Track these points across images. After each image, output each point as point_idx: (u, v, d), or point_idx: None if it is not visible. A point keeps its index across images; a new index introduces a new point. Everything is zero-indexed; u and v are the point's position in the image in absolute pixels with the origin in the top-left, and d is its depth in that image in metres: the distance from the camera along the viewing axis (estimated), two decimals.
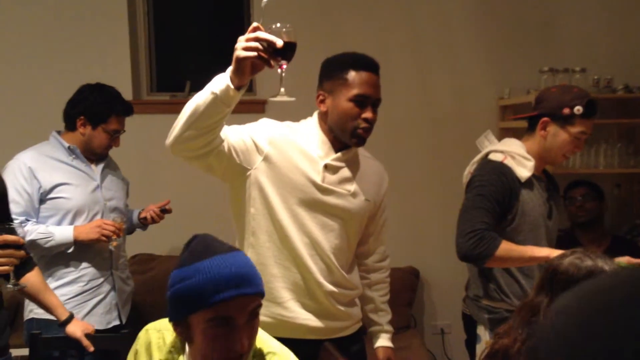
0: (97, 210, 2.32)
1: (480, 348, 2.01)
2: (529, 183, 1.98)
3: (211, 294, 1.11)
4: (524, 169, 1.97)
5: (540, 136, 2.00)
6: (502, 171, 1.96)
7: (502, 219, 1.96)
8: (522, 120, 2.15)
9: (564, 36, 3.31)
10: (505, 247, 1.86)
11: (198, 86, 1.53)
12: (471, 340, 2.11)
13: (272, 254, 1.75)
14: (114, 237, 2.24)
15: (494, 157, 2.01)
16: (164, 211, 2.52)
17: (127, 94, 2.67)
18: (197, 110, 1.45)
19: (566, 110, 1.94)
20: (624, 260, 1.90)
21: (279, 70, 1.42)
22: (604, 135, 3.15)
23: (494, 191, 1.92)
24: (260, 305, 1.21)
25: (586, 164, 3.02)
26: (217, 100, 1.42)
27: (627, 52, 3.24)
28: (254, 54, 1.36)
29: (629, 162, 3.03)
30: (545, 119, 1.98)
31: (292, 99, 1.47)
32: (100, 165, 2.39)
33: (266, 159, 1.70)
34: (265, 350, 1.30)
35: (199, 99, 1.45)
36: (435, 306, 3.46)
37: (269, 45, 1.37)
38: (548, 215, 2.04)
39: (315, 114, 1.82)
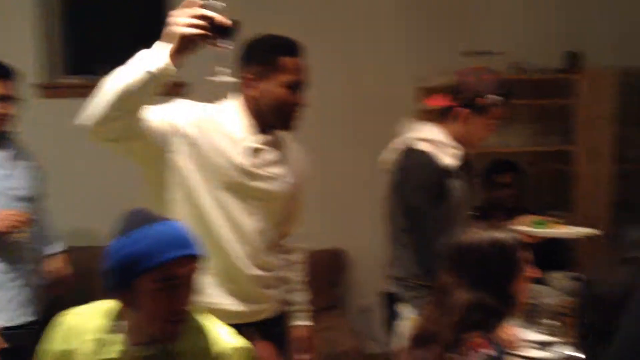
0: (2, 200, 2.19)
1: (403, 325, 2.05)
2: (453, 169, 2.02)
3: (158, 255, 1.19)
4: (450, 158, 2.00)
5: (459, 124, 2.05)
6: (433, 163, 1.98)
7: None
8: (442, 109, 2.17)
9: (483, 19, 3.41)
10: (452, 246, 1.91)
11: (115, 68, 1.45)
12: (392, 319, 2.15)
13: None
14: (20, 228, 2.12)
15: (420, 146, 2.02)
16: None
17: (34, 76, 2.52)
18: (127, 89, 1.38)
19: (482, 100, 1.99)
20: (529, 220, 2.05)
21: (219, 50, 1.39)
22: (518, 115, 3.28)
23: (432, 189, 1.96)
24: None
25: (498, 143, 3.13)
26: (154, 80, 1.37)
27: (541, 35, 3.37)
28: (200, 32, 1.32)
29: (542, 141, 3.18)
30: (464, 109, 2.02)
31: (236, 79, 1.46)
32: (4, 153, 2.26)
33: (188, 142, 1.65)
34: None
35: (130, 78, 1.38)
36: (361, 285, 3.53)
37: (214, 24, 1.33)
38: (467, 198, 2.11)
39: (237, 97, 1.78)
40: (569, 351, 1.88)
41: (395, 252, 2.13)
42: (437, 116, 2.17)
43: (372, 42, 3.39)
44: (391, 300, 2.16)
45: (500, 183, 2.88)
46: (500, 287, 1.50)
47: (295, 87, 1.72)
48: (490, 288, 1.50)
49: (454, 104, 2.05)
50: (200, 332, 1.34)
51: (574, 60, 3.19)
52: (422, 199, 1.96)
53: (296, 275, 2.01)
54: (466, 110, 2.02)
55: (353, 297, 3.54)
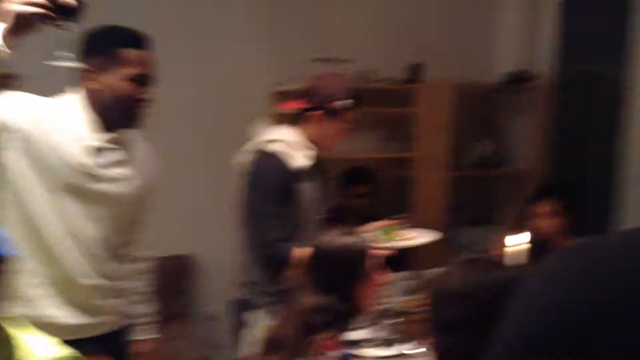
0: None
1: (253, 333, 2.03)
2: (305, 172, 2.04)
3: None
4: (302, 159, 2.02)
5: (313, 127, 2.08)
6: (282, 165, 1.97)
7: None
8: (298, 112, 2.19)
9: (335, 28, 3.49)
10: (301, 251, 1.87)
11: None
12: (241, 326, 2.11)
13: (23, 246, 1.53)
14: None
15: (271, 147, 2.01)
16: None
17: None
18: None
19: (335, 104, 2.05)
20: (381, 224, 2.14)
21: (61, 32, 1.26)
22: (366, 122, 3.42)
23: (281, 191, 1.95)
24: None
25: (347, 149, 3.23)
26: None
27: (390, 45, 3.54)
28: (39, 10, 1.20)
29: (386, 147, 3.34)
30: (317, 112, 2.06)
31: (79, 65, 1.34)
32: None
33: (21, 138, 1.49)
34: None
35: None
36: (210, 292, 3.43)
37: (56, 2, 1.22)
38: (318, 201, 2.13)
39: (78, 91, 1.63)
40: (410, 347, 1.99)
41: (247, 257, 2.10)
42: (292, 119, 2.18)
43: (225, 44, 3.32)
44: (242, 307, 2.12)
45: (356, 193, 2.95)
46: (347, 291, 1.54)
47: (139, 81, 1.61)
48: (337, 292, 1.52)
49: (307, 106, 2.08)
50: (5, 345, 1.21)
51: (416, 72, 3.39)
52: (267, 201, 1.95)
53: (141, 285, 1.89)
54: (318, 113, 2.05)
55: (201, 304, 3.44)
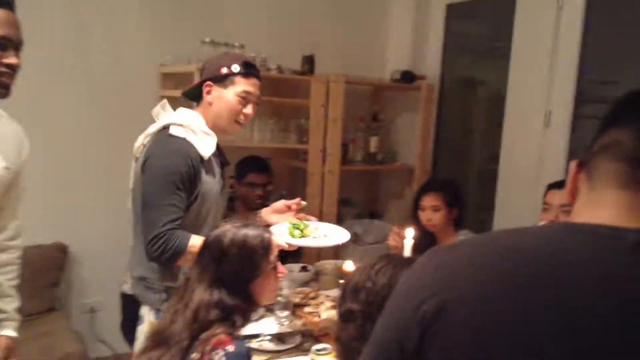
0: None
1: (143, 329, 1.90)
2: (208, 160, 1.92)
3: None
4: (206, 146, 1.89)
5: (207, 103, 1.96)
6: (186, 152, 1.83)
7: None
8: (193, 92, 2.06)
9: (226, 11, 3.38)
10: (194, 242, 1.76)
11: None
12: (130, 322, 1.97)
13: None
14: None
15: (174, 131, 1.86)
16: None
17: None
18: None
19: (224, 70, 1.93)
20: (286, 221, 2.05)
21: None
22: (258, 112, 3.34)
23: (180, 179, 1.80)
24: None
25: (242, 138, 3.16)
26: None
27: (281, 34, 3.49)
28: None
29: (278, 137, 3.29)
30: (207, 82, 1.95)
31: None
32: None
33: None
34: None
35: None
36: (86, 283, 3.19)
37: None
38: (221, 191, 2.03)
39: None
40: (300, 341, 1.96)
41: (137, 249, 1.94)
42: (188, 100, 2.05)
43: (111, 25, 3.08)
44: (130, 302, 1.97)
45: (250, 183, 2.83)
46: (243, 286, 1.47)
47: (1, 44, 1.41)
48: (231, 286, 1.45)
49: (200, 80, 1.98)
50: None
51: (310, 64, 3.38)
52: (166, 188, 1.79)
53: (7, 278, 1.71)
54: (210, 83, 1.94)
55: (77, 296, 3.19)
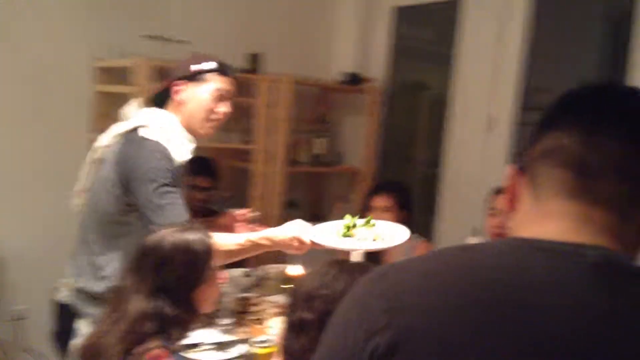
0: None
1: (77, 343, 1.78)
2: (183, 166, 1.81)
3: None
4: (182, 151, 1.78)
5: (178, 103, 1.83)
6: (166, 155, 1.71)
7: None
8: (158, 96, 1.90)
9: (169, 5, 3.26)
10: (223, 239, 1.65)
11: None
12: (64, 333, 1.83)
13: None
14: None
15: (147, 134, 1.73)
16: None
17: None
18: None
19: (195, 67, 1.83)
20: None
21: None
22: None
23: (171, 182, 1.68)
24: None
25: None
26: None
27: (227, 31, 3.40)
28: None
29: (221, 137, 3.19)
30: (178, 82, 1.82)
31: None
32: None
33: None
34: None
35: None
36: (14, 289, 2.99)
37: None
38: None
39: None
40: (244, 349, 1.88)
41: (82, 258, 1.80)
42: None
43: (44, 16, 2.90)
44: (66, 312, 1.83)
45: (196, 185, 2.69)
46: (182, 294, 1.38)
47: None
48: (173, 295, 1.36)
49: (170, 80, 1.84)
50: None
51: (255, 63, 3.29)
52: (168, 185, 1.67)
53: None
54: (183, 82, 1.81)
55: (2, 303, 2.98)
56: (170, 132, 1.76)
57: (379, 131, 3.73)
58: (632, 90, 0.74)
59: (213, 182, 2.77)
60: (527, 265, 0.65)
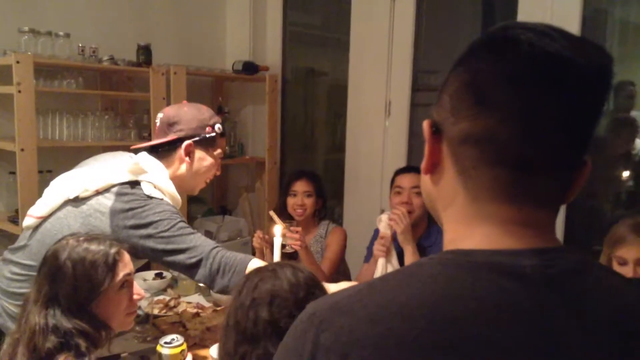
0: None
1: None
2: None
3: None
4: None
5: (184, 163, 1.75)
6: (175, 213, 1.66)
7: None
8: (159, 146, 1.77)
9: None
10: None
11: None
12: None
13: None
14: None
15: (150, 191, 1.65)
16: None
17: None
18: None
19: (209, 130, 1.76)
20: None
21: None
22: (90, 106, 3.05)
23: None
24: None
25: (74, 137, 2.85)
26: None
27: (113, 22, 3.21)
28: None
29: (116, 134, 3.02)
30: (188, 142, 1.73)
31: None
32: None
33: None
34: None
35: None
36: None
37: None
38: None
39: None
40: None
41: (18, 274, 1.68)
42: (160, 153, 1.77)
43: None
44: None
45: None
46: (77, 306, 1.29)
47: None
48: (67, 307, 1.27)
49: (176, 137, 1.73)
50: None
51: (146, 55, 3.13)
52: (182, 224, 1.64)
53: None
54: (192, 144, 1.74)
55: None
56: (165, 190, 1.69)
57: (279, 119, 3.71)
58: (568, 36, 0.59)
59: None
60: (473, 294, 0.57)
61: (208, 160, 1.79)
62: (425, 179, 0.69)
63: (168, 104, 3.06)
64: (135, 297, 1.43)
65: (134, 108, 3.24)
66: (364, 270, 2.35)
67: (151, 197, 1.63)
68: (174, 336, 1.50)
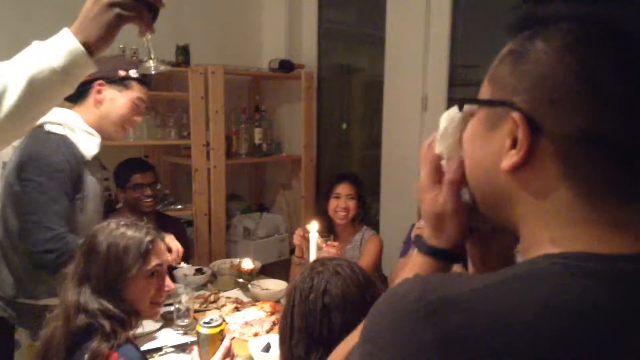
0: None
1: (22, 354, 1.70)
2: (90, 162, 1.76)
3: None
4: (89, 145, 1.74)
5: (95, 102, 1.81)
6: (69, 150, 1.68)
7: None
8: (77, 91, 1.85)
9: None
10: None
11: None
12: (4, 347, 1.74)
13: None
14: None
15: (52, 129, 1.68)
16: None
17: None
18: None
19: (122, 72, 1.85)
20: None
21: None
22: None
23: (66, 177, 1.64)
24: None
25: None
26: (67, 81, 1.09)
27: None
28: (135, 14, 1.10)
29: (156, 133, 3.09)
30: (100, 82, 1.80)
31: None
32: None
33: None
34: None
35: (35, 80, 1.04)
36: None
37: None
38: (101, 193, 1.87)
39: None
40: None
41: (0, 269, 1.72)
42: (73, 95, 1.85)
43: None
44: (6, 327, 1.74)
45: (141, 184, 2.56)
46: (105, 287, 1.32)
47: None
48: (94, 286, 1.31)
49: (94, 78, 1.80)
50: None
51: (185, 55, 3.19)
52: (55, 187, 1.62)
53: None
54: (103, 83, 1.82)
55: None
56: (75, 127, 1.75)
57: (314, 117, 3.73)
58: None
59: (154, 177, 2.67)
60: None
61: (119, 102, 1.86)
62: (496, 175, 0.61)
63: (206, 103, 3.12)
64: (165, 288, 1.46)
65: (171, 108, 3.30)
66: (400, 265, 2.35)
67: (51, 133, 1.69)
68: (213, 316, 1.52)
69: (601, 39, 0.54)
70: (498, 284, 0.54)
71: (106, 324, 1.27)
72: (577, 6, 0.56)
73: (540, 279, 0.52)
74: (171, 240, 1.93)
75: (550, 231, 0.57)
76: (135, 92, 1.88)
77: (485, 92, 0.64)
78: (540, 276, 0.53)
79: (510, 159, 0.58)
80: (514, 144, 0.57)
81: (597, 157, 0.54)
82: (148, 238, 1.40)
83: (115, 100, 1.85)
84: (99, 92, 1.83)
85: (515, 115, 0.57)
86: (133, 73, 1.87)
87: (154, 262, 1.40)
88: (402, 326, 0.54)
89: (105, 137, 1.85)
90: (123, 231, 1.38)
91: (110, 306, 1.30)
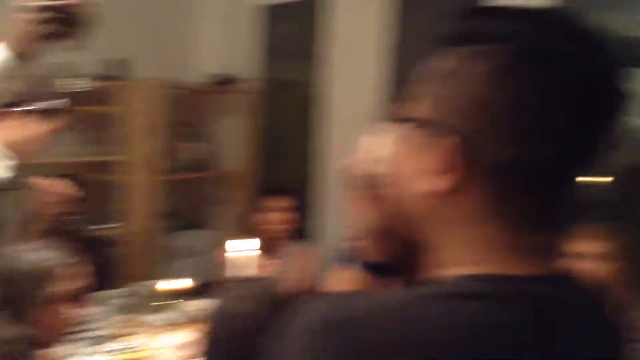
0: None
1: None
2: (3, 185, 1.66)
3: None
4: (3, 169, 1.63)
5: (14, 127, 1.70)
6: None
7: None
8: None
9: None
10: None
11: None
12: None
13: None
14: None
15: None
16: None
17: None
18: None
19: (47, 103, 1.73)
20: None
21: None
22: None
23: None
24: None
25: (47, 153, 2.79)
26: None
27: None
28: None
29: (87, 150, 2.98)
30: (17, 111, 1.70)
31: None
32: None
33: None
34: None
35: None
36: None
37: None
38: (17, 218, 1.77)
39: None
40: None
41: None
42: None
43: None
44: None
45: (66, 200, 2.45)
46: (23, 316, 1.27)
47: None
48: (9, 315, 1.25)
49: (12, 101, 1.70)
50: None
51: (117, 69, 3.09)
52: None
53: None
54: (18, 112, 1.70)
55: None
56: None
57: (257, 131, 3.68)
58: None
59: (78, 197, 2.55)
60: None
61: (39, 130, 1.71)
62: (421, 197, 0.59)
63: (140, 118, 3.03)
64: (71, 315, 1.40)
65: (100, 123, 3.19)
66: (333, 279, 2.33)
67: None
68: (133, 342, 1.46)
69: (534, 62, 0.54)
70: (404, 304, 0.54)
71: (26, 350, 1.22)
72: (512, 25, 0.56)
73: (445, 300, 0.53)
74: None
75: (469, 254, 0.57)
76: (58, 120, 1.79)
77: (416, 109, 0.60)
78: (445, 296, 0.53)
79: (440, 183, 0.56)
80: (445, 168, 0.56)
81: (521, 186, 0.55)
82: (48, 263, 1.33)
83: (33, 130, 1.73)
84: (17, 116, 1.73)
85: (453, 139, 0.55)
86: (58, 105, 1.77)
87: (61, 287, 1.34)
88: (300, 344, 0.53)
89: (24, 157, 1.76)
90: (32, 255, 1.33)
91: (13, 330, 1.24)
